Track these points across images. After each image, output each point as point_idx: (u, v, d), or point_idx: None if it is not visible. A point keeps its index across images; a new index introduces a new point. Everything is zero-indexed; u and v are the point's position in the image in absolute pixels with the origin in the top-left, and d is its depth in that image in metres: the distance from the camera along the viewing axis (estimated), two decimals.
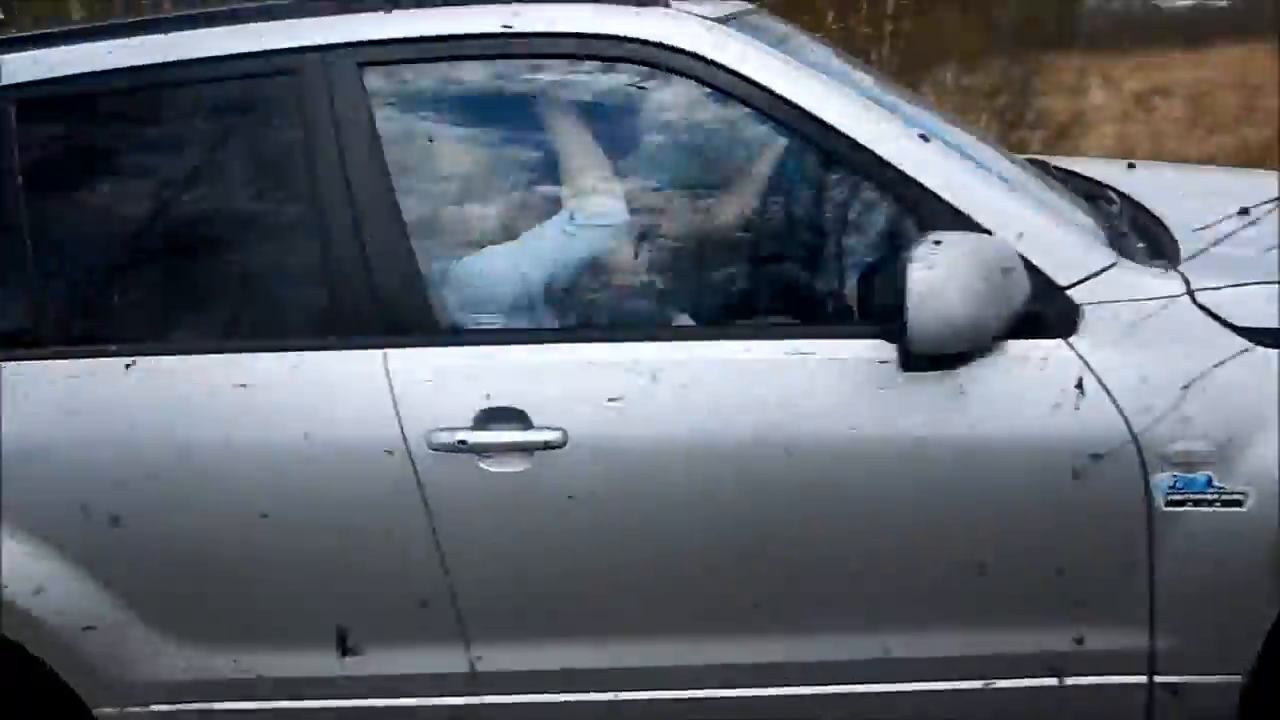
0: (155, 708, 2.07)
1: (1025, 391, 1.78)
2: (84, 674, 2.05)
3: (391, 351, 1.93)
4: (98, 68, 2.03)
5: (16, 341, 2.04)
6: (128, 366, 1.99)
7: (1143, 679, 1.86)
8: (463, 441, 1.88)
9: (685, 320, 2.00)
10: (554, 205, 2.01)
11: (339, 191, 1.94)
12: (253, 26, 2.01)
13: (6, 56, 2.05)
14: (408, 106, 1.99)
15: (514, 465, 1.89)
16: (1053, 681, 1.87)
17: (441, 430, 1.89)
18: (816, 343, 1.83)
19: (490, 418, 1.89)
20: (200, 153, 2.05)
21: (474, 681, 1.99)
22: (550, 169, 2.00)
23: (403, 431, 1.90)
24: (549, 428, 1.87)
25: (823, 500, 1.83)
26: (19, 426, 2.00)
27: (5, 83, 2.04)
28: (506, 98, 2.01)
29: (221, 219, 2.06)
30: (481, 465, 1.89)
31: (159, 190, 2.05)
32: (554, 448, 1.87)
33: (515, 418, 1.89)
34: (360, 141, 1.95)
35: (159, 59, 2.02)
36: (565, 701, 1.97)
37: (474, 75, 1.99)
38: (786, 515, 1.84)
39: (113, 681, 2.05)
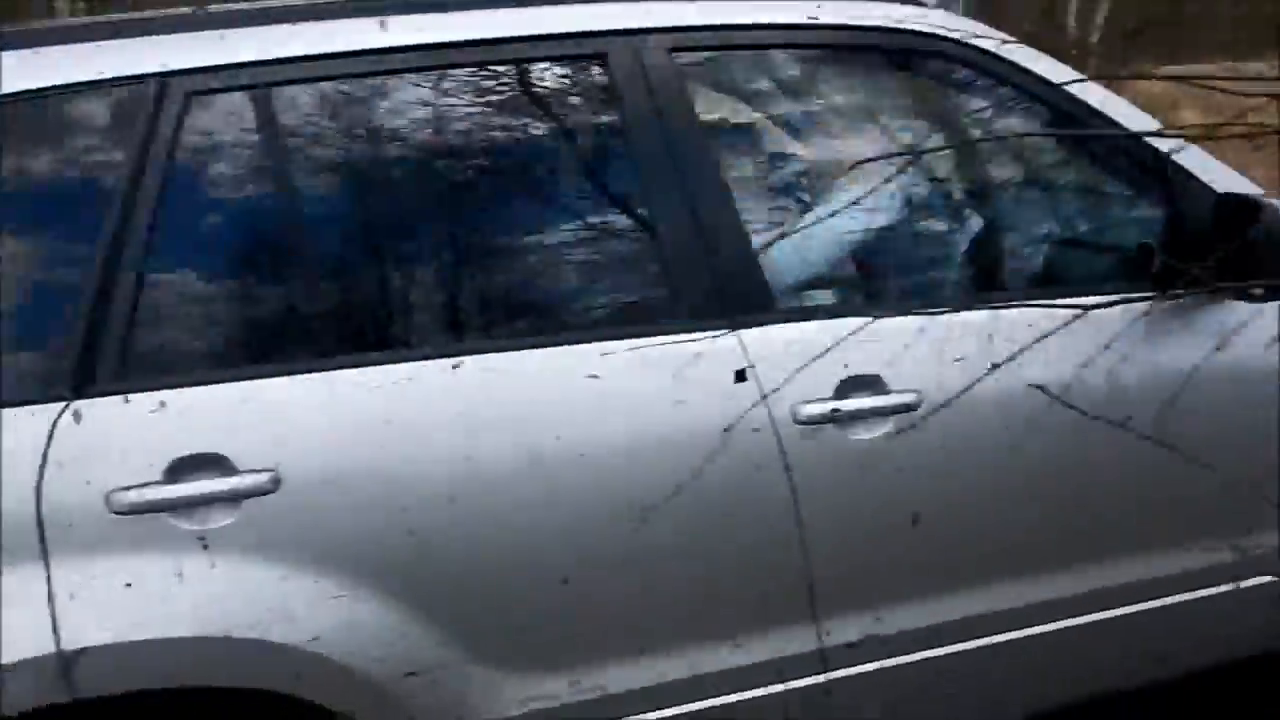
0: None
1: (1265, 325, 2.13)
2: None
3: (745, 331, 1.90)
4: (373, 46, 1.82)
5: (297, 350, 1.77)
6: (455, 367, 1.79)
7: None
8: (836, 410, 1.90)
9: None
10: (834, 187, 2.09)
11: (670, 177, 1.89)
12: (555, 10, 1.91)
13: (309, 25, 1.79)
14: (717, 91, 1.98)
15: (875, 431, 1.93)
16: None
17: (809, 403, 1.90)
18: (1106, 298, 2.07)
19: (849, 387, 1.93)
20: (504, 138, 1.89)
21: (823, 659, 1.98)
22: (838, 151, 2.08)
23: (769, 409, 1.88)
24: (907, 390, 1.94)
25: (1138, 428, 2.05)
26: (316, 447, 1.73)
27: (268, 57, 1.78)
28: (801, 84, 2.06)
29: (537, 205, 1.91)
30: (846, 434, 1.92)
31: (461, 179, 1.87)
32: (911, 410, 1.94)
33: (872, 385, 1.94)
34: (684, 126, 1.92)
35: (443, 39, 1.86)
36: (910, 662, 2.02)
37: (771, 63, 2.04)
38: (1109, 447, 2.03)
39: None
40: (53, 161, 1.75)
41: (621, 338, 1.86)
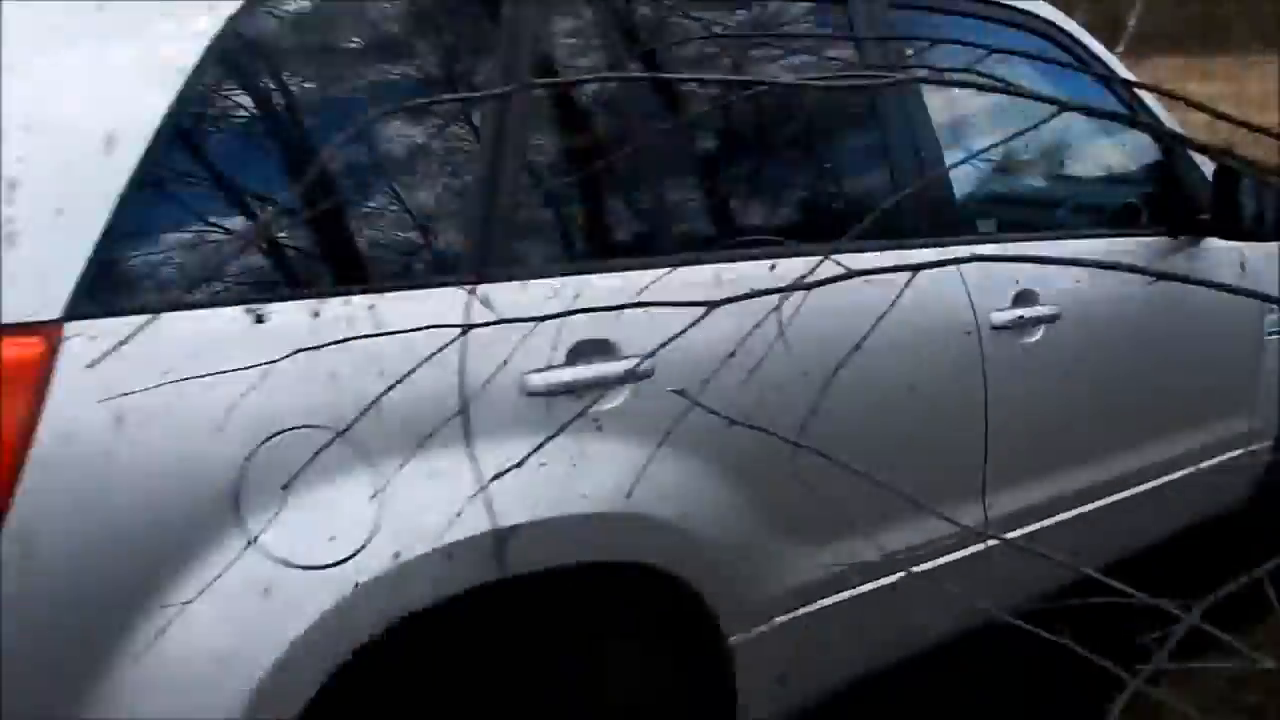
0: (778, 620, 2.04)
1: (1228, 266, 2.81)
2: (728, 595, 1.94)
3: (959, 249, 2.24)
4: None
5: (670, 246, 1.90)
6: (771, 269, 1.97)
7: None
8: (1021, 318, 2.30)
9: None
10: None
11: (900, 113, 2.21)
12: None
13: None
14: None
15: (1033, 337, 2.35)
16: (1237, 451, 2.92)
17: (999, 311, 2.28)
18: (1134, 240, 2.65)
19: (1018, 300, 2.33)
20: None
21: (983, 530, 2.36)
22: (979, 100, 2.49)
23: (975, 316, 2.24)
24: (1052, 303, 2.38)
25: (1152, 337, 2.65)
26: (684, 336, 1.85)
27: None
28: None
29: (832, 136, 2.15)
30: (1018, 339, 2.32)
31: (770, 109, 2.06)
32: (1055, 320, 2.39)
33: (1031, 298, 2.36)
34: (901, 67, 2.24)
35: None
36: (1044, 527, 2.46)
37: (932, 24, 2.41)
38: (1157, 348, 2.61)
39: (752, 599, 1.98)
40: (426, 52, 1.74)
41: (875, 250, 2.15)
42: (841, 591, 2.12)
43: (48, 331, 1.41)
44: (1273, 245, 2.83)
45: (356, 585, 1.53)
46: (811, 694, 2.15)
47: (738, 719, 2.01)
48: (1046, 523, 2.48)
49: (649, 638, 1.92)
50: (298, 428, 1.51)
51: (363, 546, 1.54)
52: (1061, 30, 2.58)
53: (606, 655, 1.87)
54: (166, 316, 1.48)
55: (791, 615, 2.05)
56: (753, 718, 2.03)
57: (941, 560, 2.28)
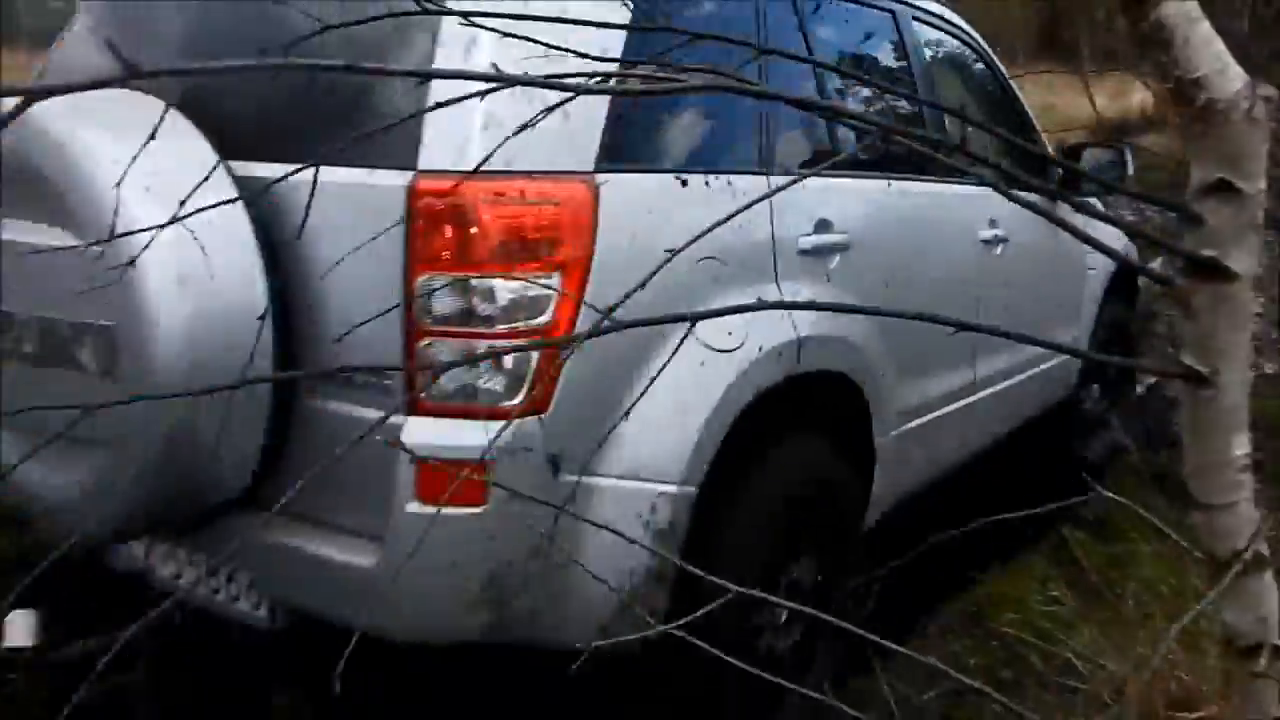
0: (893, 434, 2.90)
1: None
2: (879, 407, 2.78)
3: (975, 189, 3.24)
4: None
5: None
6: (889, 185, 2.87)
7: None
8: (996, 236, 3.34)
9: None
10: None
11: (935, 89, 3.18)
12: None
13: None
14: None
15: (997, 250, 3.39)
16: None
17: (983, 230, 3.30)
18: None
19: (990, 224, 3.36)
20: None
21: (974, 386, 3.35)
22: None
23: (976, 233, 3.25)
24: (1004, 229, 3.42)
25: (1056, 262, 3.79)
26: (865, 223, 2.71)
27: None
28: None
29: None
30: (990, 251, 3.35)
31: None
32: (1006, 241, 3.43)
33: (996, 224, 3.39)
34: (921, 56, 3.21)
35: None
36: (999, 389, 3.50)
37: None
38: (1048, 271, 3.74)
39: (889, 412, 2.84)
40: None
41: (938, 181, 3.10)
42: (924, 415, 3.04)
43: (590, 178, 2.05)
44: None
45: (746, 364, 2.25)
46: (905, 491, 3.03)
47: (868, 507, 2.85)
48: (1001, 386, 3.54)
49: (832, 434, 2.71)
50: (710, 258, 2.21)
51: (744, 341, 2.26)
52: (980, 47, 3.71)
53: (813, 445, 2.65)
54: (640, 176, 2.15)
55: (901, 430, 2.93)
56: (877, 507, 2.88)
57: (964, 401, 3.26)
